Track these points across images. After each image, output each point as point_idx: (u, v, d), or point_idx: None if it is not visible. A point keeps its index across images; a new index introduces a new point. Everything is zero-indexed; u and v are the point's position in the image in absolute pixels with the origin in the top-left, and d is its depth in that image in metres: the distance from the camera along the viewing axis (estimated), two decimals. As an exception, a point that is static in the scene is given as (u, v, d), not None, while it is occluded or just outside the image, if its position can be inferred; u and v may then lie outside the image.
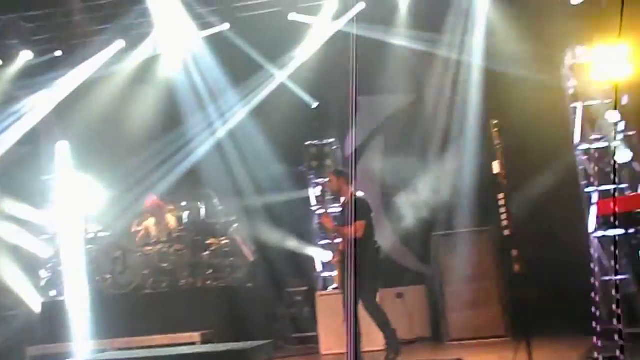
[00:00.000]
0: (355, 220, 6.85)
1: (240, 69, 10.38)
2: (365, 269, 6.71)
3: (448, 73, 9.67)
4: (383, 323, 6.87)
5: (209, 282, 9.04)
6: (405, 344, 7.55)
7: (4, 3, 9.98)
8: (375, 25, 9.70)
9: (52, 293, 9.67)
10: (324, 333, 8.54)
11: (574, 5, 7.87)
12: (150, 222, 9.53)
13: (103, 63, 10.74)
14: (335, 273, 8.67)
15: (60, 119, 10.87)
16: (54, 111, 10.80)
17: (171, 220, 9.53)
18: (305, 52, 10.30)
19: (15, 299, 9.85)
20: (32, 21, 10.60)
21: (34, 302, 9.63)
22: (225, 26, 10.37)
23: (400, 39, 9.85)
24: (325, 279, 9.61)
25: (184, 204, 9.78)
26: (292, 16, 10.13)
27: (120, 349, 8.04)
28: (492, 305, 8.26)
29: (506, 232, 4.83)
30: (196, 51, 10.63)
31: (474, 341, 8.05)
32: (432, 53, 9.70)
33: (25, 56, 10.79)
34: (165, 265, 9.13)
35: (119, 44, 10.68)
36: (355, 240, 6.70)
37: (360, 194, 7.16)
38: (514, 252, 4.78)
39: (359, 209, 6.94)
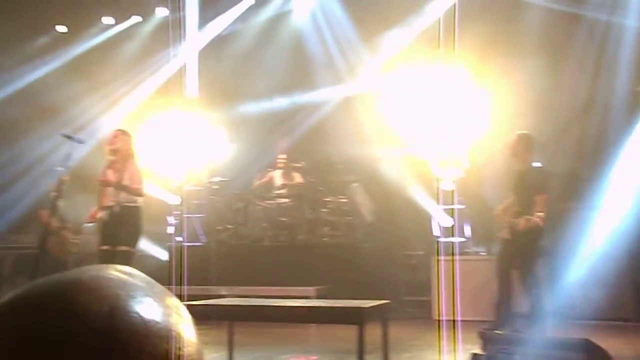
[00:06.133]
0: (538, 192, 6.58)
1: (371, 24, 10.07)
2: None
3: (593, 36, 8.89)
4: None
5: (325, 239, 9.09)
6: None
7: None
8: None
9: (179, 239, 10.12)
10: (437, 299, 8.35)
11: None
12: (276, 174, 9.73)
13: (233, 20, 10.94)
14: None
15: (189, 74, 11.18)
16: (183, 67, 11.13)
17: (294, 175, 9.65)
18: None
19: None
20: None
21: (161, 247, 10.13)
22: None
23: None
24: (442, 244, 9.35)
25: (304, 161, 9.85)
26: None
27: (237, 296, 8.28)
28: (623, 287, 7.70)
29: None
30: (325, 5, 10.50)
31: (601, 322, 7.53)
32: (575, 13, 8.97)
33: (161, 12, 11.22)
34: (284, 219, 9.28)
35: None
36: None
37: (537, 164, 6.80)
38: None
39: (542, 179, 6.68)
